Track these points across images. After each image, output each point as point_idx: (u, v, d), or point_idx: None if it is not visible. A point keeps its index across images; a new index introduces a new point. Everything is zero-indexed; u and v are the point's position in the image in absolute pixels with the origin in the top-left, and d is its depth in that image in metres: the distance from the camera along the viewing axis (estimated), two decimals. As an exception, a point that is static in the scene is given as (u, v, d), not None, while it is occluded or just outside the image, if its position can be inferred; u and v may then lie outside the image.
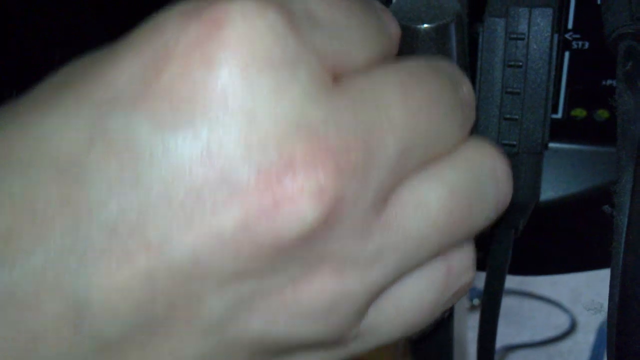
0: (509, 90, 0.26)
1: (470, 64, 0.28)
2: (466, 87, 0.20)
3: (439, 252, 0.19)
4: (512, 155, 0.27)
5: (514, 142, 0.27)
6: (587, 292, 1.35)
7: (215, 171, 0.14)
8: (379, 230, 0.17)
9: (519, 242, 0.31)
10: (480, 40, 0.26)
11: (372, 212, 0.16)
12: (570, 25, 0.29)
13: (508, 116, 0.26)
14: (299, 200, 0.15)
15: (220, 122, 0.15)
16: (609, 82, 0.30)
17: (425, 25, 0.25)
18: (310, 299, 0.16)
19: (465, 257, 0.20)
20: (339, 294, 0.16)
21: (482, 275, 0.33)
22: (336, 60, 0.17)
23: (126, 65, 0.15)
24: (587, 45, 0.29)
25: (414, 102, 0.17)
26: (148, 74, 0.15)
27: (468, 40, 0.29)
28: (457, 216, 0.18)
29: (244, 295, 0.16)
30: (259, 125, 0.15)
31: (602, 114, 0.32)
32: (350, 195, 0.15)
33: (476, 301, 1.30)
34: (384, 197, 0.17)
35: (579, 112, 0.32)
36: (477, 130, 0.27)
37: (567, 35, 0.29)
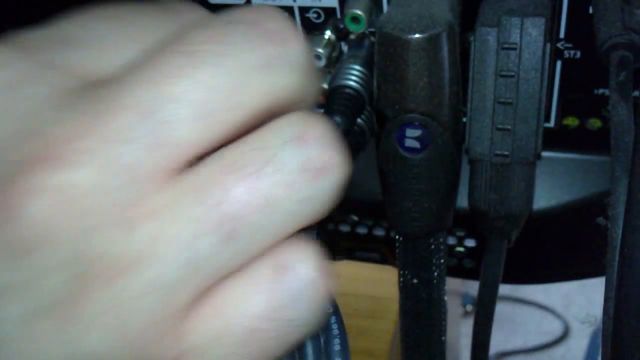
0: (501, 100, 0.26)
1: (462, 74, 0.28)
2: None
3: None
4: (505, 166, 0.27)
5: (507, 152, 0.26)
6: (579, 299, 1.35)
7: None
8: (141, 223, 0.16)
9: (512, 250, 0.31)
10: (472, 50, 0.26)
11: (125, 207, 0.16)
12: (562, 35, 0.29)
13: (500, 126, 0.26)
14: (25, 198, 0.15)
15: None
16: (601, 91, 0.30)
17: (417, 36, 0.24)
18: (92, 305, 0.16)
19: (300, 253, 0.17)
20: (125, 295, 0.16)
21: (476, 283, 0.33)
22: (89, 67, 0.17)
23: None
24: (579, 54, 0.29)
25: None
26: None
27: (460, 49, 0.29)
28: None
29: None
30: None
31: (595, 122, 0.32)
32: (86, 187, 0.15)
33: (469, 307, 1.30)
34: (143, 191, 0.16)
35: (572, 121, 0.32)
36: (469, 141, 0.27)
37: (559, 45, 0.29)
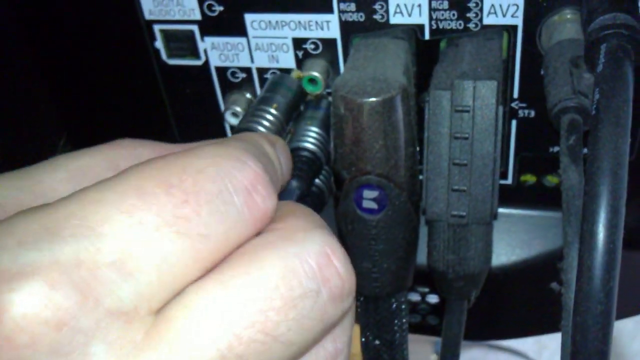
0: (456, 162, 0.26)
1: (418, 135, 0.28)
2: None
3: None
4: (462, 226, 0.27)
5: (463, 213, 0.27)
6: (551, 343, 1.35)
7: None
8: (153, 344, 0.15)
9: (472, 307, 0.31)
10: (426, 112, 0.26)
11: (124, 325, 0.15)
12: (516, 94, 0.29)
13: (456, 187, 0.26)
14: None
15: None
16: (556, 148, 0.31)
17: (371, 99, 0.24)
18: None
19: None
20: None
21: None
22: None
23: None
24: (533, 113, 0.30)
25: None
26: None
27: (417, 109, 0.29)
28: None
29: None
30: None
31: (552, 179, 0.32)
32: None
33: (441, 354, 1.28)
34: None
35: (529, 178, 0.32)
36: (426, 202, 0.27)
37: (513, 104, 0.30)
